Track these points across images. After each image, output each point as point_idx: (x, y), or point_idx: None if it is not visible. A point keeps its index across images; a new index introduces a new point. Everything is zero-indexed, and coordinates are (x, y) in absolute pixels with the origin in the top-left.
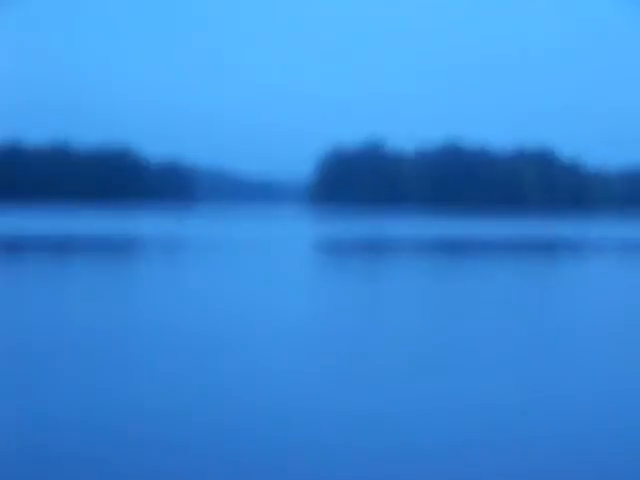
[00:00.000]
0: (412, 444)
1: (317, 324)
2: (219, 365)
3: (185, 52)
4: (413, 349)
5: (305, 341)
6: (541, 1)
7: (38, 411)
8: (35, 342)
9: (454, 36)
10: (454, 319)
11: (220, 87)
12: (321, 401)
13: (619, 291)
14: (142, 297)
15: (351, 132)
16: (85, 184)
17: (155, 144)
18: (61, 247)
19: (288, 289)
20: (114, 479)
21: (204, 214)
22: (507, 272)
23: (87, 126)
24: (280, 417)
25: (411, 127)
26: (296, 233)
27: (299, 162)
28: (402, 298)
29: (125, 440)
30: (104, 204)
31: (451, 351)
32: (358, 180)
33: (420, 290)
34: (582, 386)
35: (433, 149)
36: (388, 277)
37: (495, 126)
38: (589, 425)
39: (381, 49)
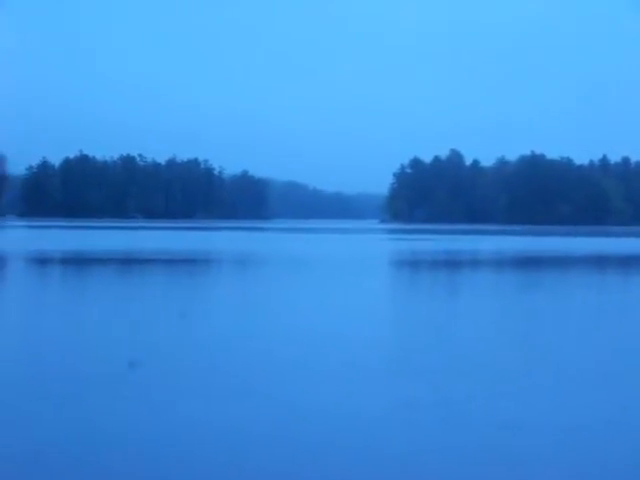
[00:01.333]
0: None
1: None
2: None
3: (261, 62)
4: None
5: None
6: None
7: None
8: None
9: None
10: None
11: (295, 100)
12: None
13: None
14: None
15: (429, 146)
16: (158, 199)
17: (228, 158)
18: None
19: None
20: None
21: (280, 228)
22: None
23: (160, 140)
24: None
25: (490, 142)
26: (373, 248)
27: (376, 176)
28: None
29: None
30: (183, 218)
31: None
32: (436, 194)
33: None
34: None
35: (513, 162)
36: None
37: (575, 139)
38: None
39: (459, 62)
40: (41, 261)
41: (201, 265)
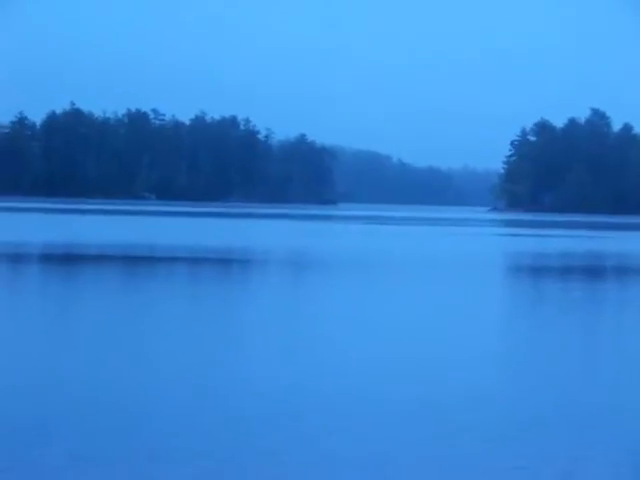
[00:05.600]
0: None
1: None
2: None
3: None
4: None
5: None
6: None
7: None
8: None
9: None
10: None
11: (373, 45)
12: None
13: None
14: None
15: (560, 104)
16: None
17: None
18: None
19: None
20: None
21: (350, 217)
22: None
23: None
24: None
25: None
26: (488, 249)
27: (485, 146)
28: None
29: None
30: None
31: None
32: (571, 173)
33: None
34: None
35: None
36: None
37: None
38: None
39: None
40: (16, 263)
41: (252, 269)
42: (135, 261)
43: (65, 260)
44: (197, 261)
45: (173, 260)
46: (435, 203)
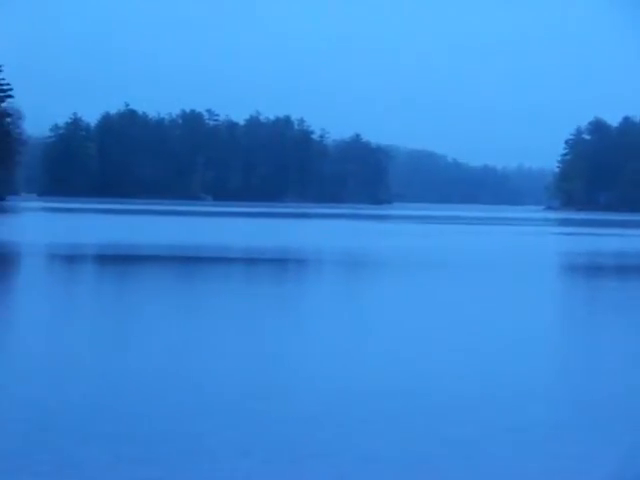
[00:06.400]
0: None
1: None
2: None
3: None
4: None
5: None
6: None
7: None
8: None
9: None
10: None
11: (426, 46)
12: None
13: None
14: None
15: (616, 103)
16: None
17: (333, 117)
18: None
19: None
20: None
21: (406, 217)
22: None
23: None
24: None
25: None
26: (546, 250)
27: (540, 145)
28: None
29: None
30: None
31: None
32: (627, 171)
33: None
34: None
35: None
36: None
37: None
38: None
39: None
40: (72, 264)
41: (318, 268)
42: (195, 261)
43: (130, 260)
44: (259, 262)
45: (234, 260)
46: (490, 202)
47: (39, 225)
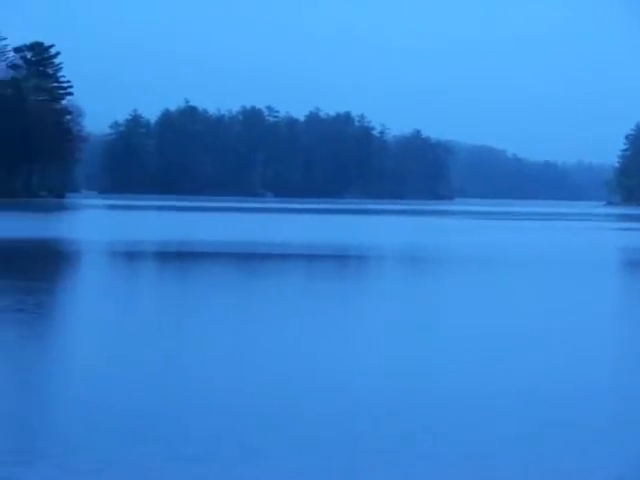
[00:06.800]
0: None
1: None
2: None
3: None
4: None
5: None
6: None
7: None
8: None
9: None
10: None
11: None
12: None
13: None
14: None
15: None
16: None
17: (393, 113)
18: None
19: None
20: None
21: (469, 212)
22: None
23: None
24: None
25: None
26: (603, 237)
27: (600, 140)
28: None
29: None
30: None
31: None
32: None
33: None
34: None
35: None
36: None
37: None
38: None
39: None
40: (134, 261)
41: (384, 265)
42: (256, 258)
43: (191, 257)
44: (321, 258)
45: (296, 257)
46: (550, 198)
47: (100, 222)
